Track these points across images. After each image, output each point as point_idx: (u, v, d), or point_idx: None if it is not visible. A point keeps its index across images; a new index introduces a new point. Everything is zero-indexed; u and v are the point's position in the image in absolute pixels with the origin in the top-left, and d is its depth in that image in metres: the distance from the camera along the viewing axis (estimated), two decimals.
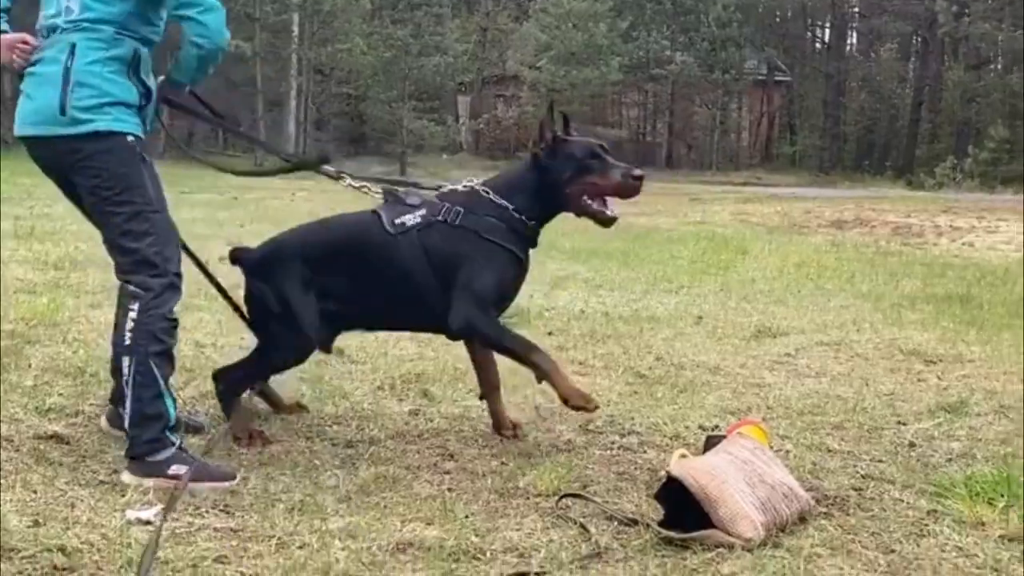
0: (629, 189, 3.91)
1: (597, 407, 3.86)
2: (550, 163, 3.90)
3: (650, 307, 7.76)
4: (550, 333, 6.48)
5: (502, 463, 3.87)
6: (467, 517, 3.32)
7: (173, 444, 3.59)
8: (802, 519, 3.36)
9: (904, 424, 4.67)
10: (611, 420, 4.49)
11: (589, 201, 3.90)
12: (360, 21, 39.60)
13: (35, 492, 3.37)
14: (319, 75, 42.67)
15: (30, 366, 4.89)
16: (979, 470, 3.89)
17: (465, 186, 3.97)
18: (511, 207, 3.88)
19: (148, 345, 3.56)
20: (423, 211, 3.87)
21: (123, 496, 3.40)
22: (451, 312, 3.79)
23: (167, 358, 3.63)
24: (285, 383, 4.43)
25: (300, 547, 3.01)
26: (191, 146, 41.33)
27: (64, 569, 2.79)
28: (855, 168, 46.73)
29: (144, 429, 3.56)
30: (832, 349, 6.36)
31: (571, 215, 4.08)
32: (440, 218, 3.85)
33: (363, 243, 3.90)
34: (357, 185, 4.04)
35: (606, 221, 3.97)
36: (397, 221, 3.85)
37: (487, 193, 3.91)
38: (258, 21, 38.01)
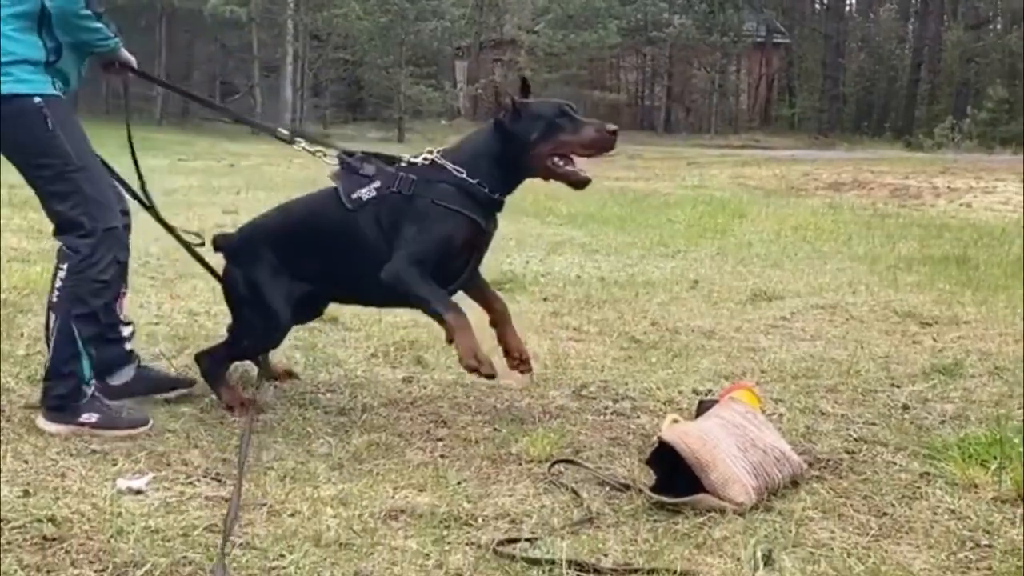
0: (604, 143, 3.76)
1: (492, 376, 3.72)
2: (515, 127, 3.75)
3: (646, 272, 7.74)
4: (545, 299, 6.47)
5: (495, 430, 3.86)
6: (459, 484, 3.32)
7: (86, 395, 3.68)
8: (794, 483, 3.36)
9: (898, 386, 4.67)
10: (604, 385, 4.49)
11: (559, 162, 3.76)
12: None
13: (26, 462, 3.37)
14: (315, 41, 42.37)
15: (22, 335, 4.87)
16: (972, 432, 3.88)
17: (425, 158, 3.84)
18: (468, 176, 3.76)
19: (72, 307, 3.62)
20: (377, 183, 3.78)
21: (114, 465, 3.40)
22: (388, 264, 3.70)
23: (91, 320, 3.67)
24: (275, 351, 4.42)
25: (292, 515, 3.01)
26: (188, 112, 41.35)
27: (54, 539, 2.78)
28: (854, 130, 46.55)
29: (58, 384, 3.67)
30: (827, 312, 6.34)
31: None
32: (395, 189, 3.76)
33: (324, 222, 3.87)
34: (312, 150, 4.02)
35: (579, 182, 3.81)
36: (354, 196, 3.77)
37: (443, 162, 3.79)
38: None
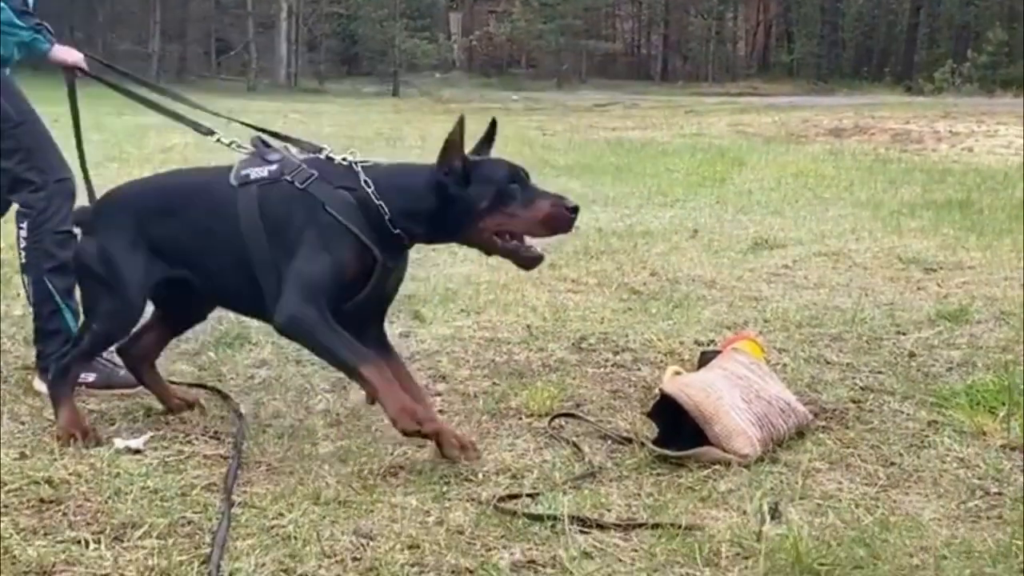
0: (560, 223, 3.09)
1: (436, 432, 3.03)
2: (459, 192, 3.05)
3: (644, 221, 7.67)
4: (543, 250, 6.37)
5: (494, 383, 3.81)
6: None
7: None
8: (800, 433, 3.30)
9: (904, 334, 4.61)
10: (604, 337, 4.43)
11: (505, 238, 3.09)
12: None
13: (23, 424, 3.34)
14: None
15: (18, 295, 4.80)
16: (980, 379, 3.83)
17: (344, 159, 3.17)
18: (386, 212, 3.06)
19: (41, 262, 3.60)
20: (275, 167, 3.14)
21: (112, 425, 3.37)
22: (280, 301, 3.02)
23: (62, 272, 3.61)
24: None
25: (290, 473, 2.96)
26: (184, 70, 41.09)
27: (51, 501, 2.74)
28: (854, 75, 46.27)
29: (47, 344, 3.65)
30: (831, 260, 6.28)
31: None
32: (288, 177, 3.11)
33: (202, 194, 3.27)
34: (226, 142, 3.42)
35: (529, 262, 3.19)
36: (243, 172, 3.16)
37: (367, 185, 3.08)
38: None
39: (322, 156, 3.23)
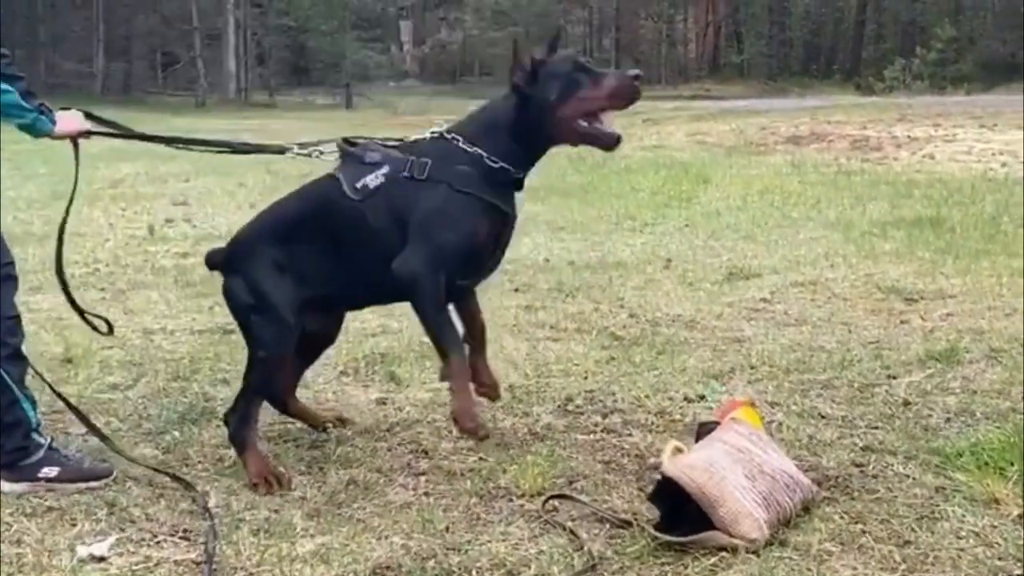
0: (629, 93, 3.34)
1: (486, 436, 3.43)
2: (532, 91, 3.32)
3: (616, 251, 7.50)
4: (516, 289, 6.22)
5: (480, 459, 3.61)
6: (447, 529, 3.08)
7: (42, 446, 3.42)
8: (806, 509, 3.14)
9: (895, 377, 4.48)
10: (591, 396, 4.25)
11: (585, 123, 3.34)
12: None
13: None
14: (257, 8, 41.65)
15: None
16: (983, 435, 3.68)
17: (433, 133, 3.43)
18: (485, 154, 3.33)
19: None
20: (385, 168, 3.35)
21: (74, 526, 3.14)
22: (402, 255, 3.29)
23: (16, 359, 3.40)
24: None
25: None
26: (130, 87, 40.54)
27: None
28: (803, 73, 46.51)
29: (7, 438, 3.38)
30: (808, 290, 6.14)
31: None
32: (406, 174, 3.33)
33: (326, 217, 3.41)
34: (306, 152, 3.59)
35: (610, 143, 3.40)
36: (358, 184, 3.34)
37: (456, 140, 3.36)
38: None
39: (410, 140, 3.45)
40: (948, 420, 3.96)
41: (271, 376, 3.56)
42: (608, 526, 3.09)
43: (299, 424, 3.95)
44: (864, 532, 3.03)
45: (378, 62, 39.52)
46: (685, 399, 4.21)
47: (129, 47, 42.27)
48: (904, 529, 3.04)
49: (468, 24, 44.19)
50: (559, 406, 4.15)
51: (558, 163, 13.74)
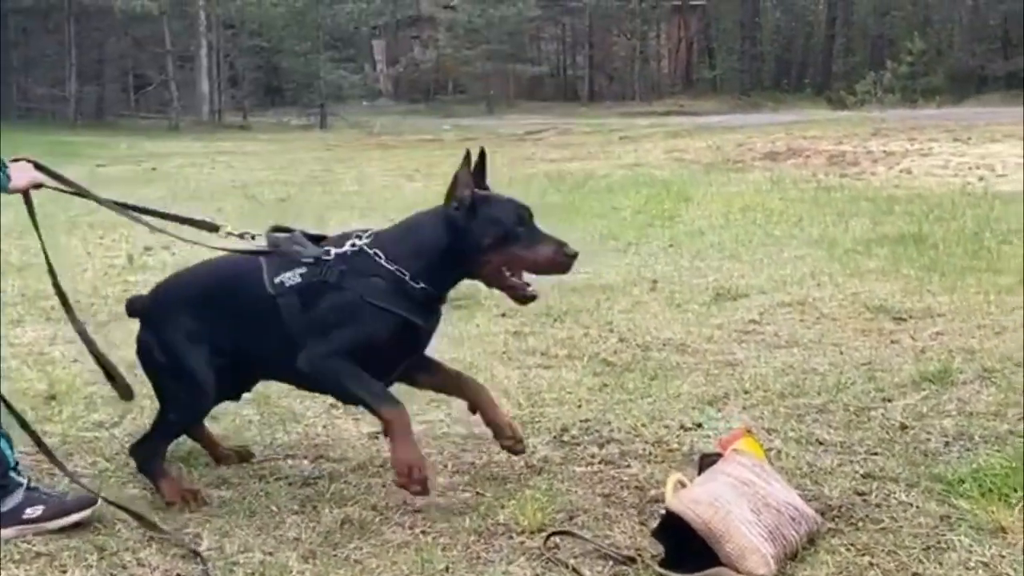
0: (559, 267, 3.39)
1: (426, 493, 3.33)
2: (467, 225, 3.30)
3: (601, 272, 7.45)
4: (503, 314, 6.15)
5: (477, 494, 3.55)
6: (447, 569, 3.03)
7: (20, 485, 3.34)
8: (811, 541, 3.10)
9: (890, 400, 4.45)
10: (586, 426, 4.19)
11: (508, 274, 3.36)
12: None
13: None
14: (230, 30, 41.49)
15: None
16: (984, 461, 3.65)
17: (353, 244, 3.37)
18: (406, 275, 3.31)
19: None
20: (303, 269, 3.35)
21: (64, 573, 3.05)
22: (303, 352, 3.31)
23: None
24: None
25: None
26: (103, 111, 40.32)
27: None
28: (775, 87, 46.77)
29: None
30: (796, 310, 6.12)
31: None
32: (321, 279, 3.32)
33: (245, 299, 3.44)
34: (237, 233, 3.53)
35: (526, 299, 3.44)
36: (276, 280, 3.35)
37: (378, 256, 3.33)
38: None
39: (330, 253, 3.35)
40: (947, 444, 3.93)
41: (177, 433, 3.68)
42: (612, 563, 3.04)
43: (290, 462, 3.90)
44: (872, 564, 2.99)
45: (352, 82, 39.41)
46: (681, 427, 4.16)
47: (102, 71, 41.96)
48: (912, 561, 3.00)
49: (441, 43, 44.18)
50: (555, 437, 4.09)
51: (537, 183, 13.78)
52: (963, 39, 42.94)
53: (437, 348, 5.27)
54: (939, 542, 3.11)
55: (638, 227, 9.69)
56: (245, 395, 3.99)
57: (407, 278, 3.30)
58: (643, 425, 4.18)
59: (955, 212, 9.85)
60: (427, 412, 4.35)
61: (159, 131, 34.03)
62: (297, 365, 3.32)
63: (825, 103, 37.45)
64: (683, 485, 3.16)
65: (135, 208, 3.78)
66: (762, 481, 3.16)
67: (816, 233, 8.99)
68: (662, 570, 2.94)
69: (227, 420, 4.23)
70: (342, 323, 3.28)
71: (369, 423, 4.28)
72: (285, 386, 4.64)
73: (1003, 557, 2.99)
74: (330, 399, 4.51)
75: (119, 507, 3.37)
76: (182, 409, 3.55)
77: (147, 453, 3.57)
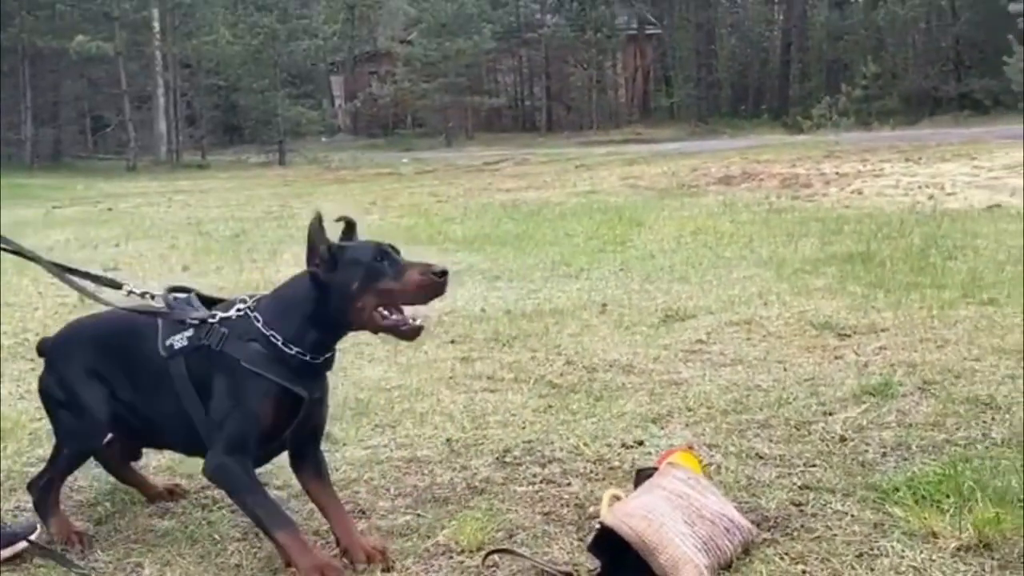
0: (432, 289, 3.20)
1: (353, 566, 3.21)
2: (331, 279, 3.20)
3: (552, 298, 7.50)
4: (452, 341, 6.18)
5: (418, 515, 3.57)
6: None
7: None
8: (746, 551, 3.13)
9: (831, 414, 4.50)
10: (529, 447, 4.21)
11: (386, 313, 3.20)
12: (224, 11, 38.60)
13: None
14: (187, 69, 41.53)
15: None
16: (919, 469, 3.71)
17: (239, 309, 3.31)
18: (280, 339, 3.22)
19: None
20: (190, 332, 3.32)
21: None
22: (209, 453, 3.26)
23: None
24: None
25: None
26: (60, 153, 40.16)
27: None
28: (732, 114, 47.24)
29: None
30: (743, 330, 6.17)
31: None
32: (206, 342, 3.28)
33: (138, 354, 3.43)
34: (139, 292, 3.51)
35: (410, 333, 3.24)
36: (167, 343, 3.34)
37: (256, 320, 3.27)
38: (117, 20, 36.72)
39: (217, 315, 3.33)
40: (884, 455, 3.98)
41: (74, 467, 3.65)
42: None
43: None
44: (805, 572, 3.02)
45: (310, 118, 39.47)
46: (623, 445, 4.19)
47: (58, 113, 41.87)
48: (844, 567, 3.04)
49: (398, 77, 44.33)
50: (497, 458, 4.11)
51: (492, 212, 13.84)
52: (917, 62, 43.57)
53: (385, 375, 5.40)
54: (872, 548, 3.15)
55: (590, 252, 9.74)
56: None
57: (280, 343, 3.22)
58: (585, 444, 4.21)
59: (903, 230, 9.98)
60: (371, 437, 4.37)
61: (117, 172, 33.94)
62: (203, 473, 3.30)
63: (782, 128, 37.84)
64: (618, 499, 3.20)
65: (48, 262, 3.70)
66: (697, 493, 3.20)
67: (766, 254, 9.08)
68: None
69: (171, 452, 4.23)
70: (223, 405, 3.23)
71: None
72: None
73: (933, 561, 3.04)
74: None
75: (42, 549, 3.37)
76: (74, 442, 3.53)
77: (42, 491, 3.57)
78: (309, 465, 3.44)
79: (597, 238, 10.76)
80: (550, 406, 4.80)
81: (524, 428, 4.47)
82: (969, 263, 7.97)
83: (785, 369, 5.26)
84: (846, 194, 13.91)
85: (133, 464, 3.92)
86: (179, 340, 3.32)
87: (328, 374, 3.39)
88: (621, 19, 48.14)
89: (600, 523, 3.04)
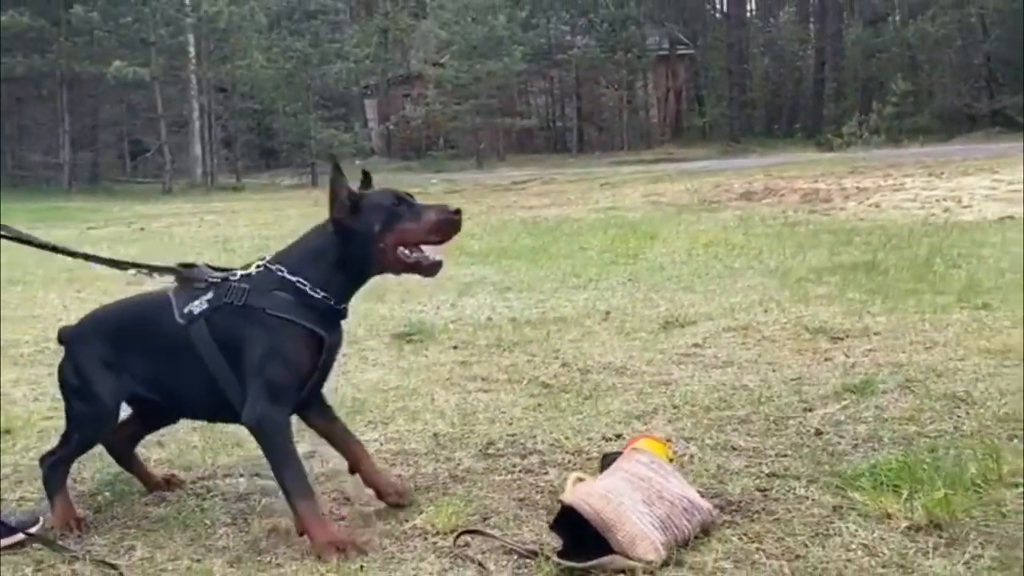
0: (449, 226, 3.44)
1: (363, 550, 3.30)
2: (354, 224, 3.42)
3: (558, 307, 7.66)
4: (455, 347, 6.35)
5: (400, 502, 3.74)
6: (361, 568, 3.18)
7: None
8: (705, 532, 3.27)
9: (810, 410, 4.62)
10: (512, 440, 4.37)
11: (406, 252, 3.43)
12: (257, 36, 39.03)
13: None
14: (222, 93, 42.08)
15: None
16: (884, 457, 3.83)
17: (259, 266, 3.51)
18: (307, 285, 3.41)
19: None
20: (209, 295, 3.48)
21: None
22: (246, 404, 3.39)
23: None
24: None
25: None
26: (97, 176, 40.73)
27: None
28: (766, 134, 47.21)
29: None
30: (739, 334, 6.30)
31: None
32: (227, 300, 3.44)
33: (156, 331, 3.56)
34: (146, 271, 3.71)
35: (431, 268, 3.47)
36: (185, 310, 3.48)
37: (280, 271, 3.44)
38: (153, 45, 37.32)
39: (236, 274, 3.53)
40: (855, 446, 4.09)
41: (84, 449, 3.78)
42: (516, 557, 3.20)
43: (227, 480, 4.08)
44: (759, 550, 3.15)
45: (342, 140, 39.82)
46: (603, 438, 4.33)
47: (96, 137, 42.54)
48: (797, 545, 3.17)
49: (429, 99, 44.69)
50: (480, 450, 4.27)
51: (511, 227, 14.02)
52: (949, 80, 43.39)
53: (384, 377, 5.58)
54: (827, 529, 3.27)
55: (602, 265, 9.89)
56: (193, 422, 4.22)
57: (307, 288, 3.41)
58: (567, 438, 4.36)
59: (911, 240, 10.07)
60: (363, 433, 4.54)
61: (153, 195, 34.41)
62: (243, 422, 3.42)
63: (814, 147, 37.81)
64: (582, 481, 3.35)
65: (57, 248, 3.87)
66: (659, 477, 3.34)
67: (773, 264, 9.19)
68: (560, 560, 3.11)
69: (172, 446, 4.43)
70: (258, 354, 3.36)
71: (307, 444, 4.47)
72: None
73: (883, 540, 3.16)
74: None
75: (39, 540, 3.52)
76: (83, 429, 3.68)
77: (51, 468, 3.72)
78: (322, 408, 3.72)
79: (610, 251, 10.91)
80: (539, 404, 4.95)
81: (511, 424, 4.63)
82: (971, 271, 8.06)
83: (774, 370, 5.39)
84: (864, 207, 13.99)
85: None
86: (197, 305, 3.46)
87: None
88: (652, 40, 48.20)
89: (561, 502, 3.20)
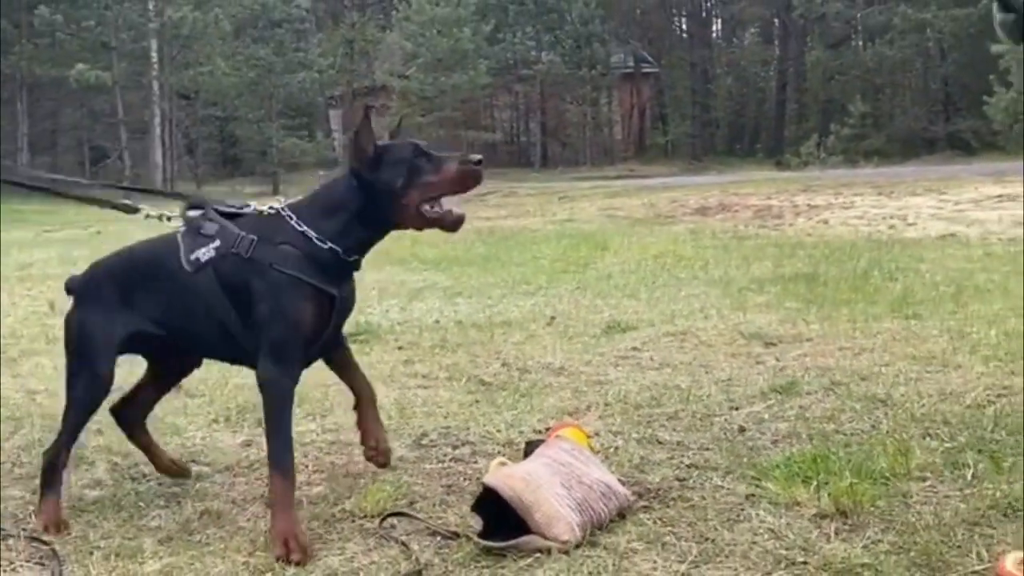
0: (471, 176, 3.35)
1: (301, 562, 3.16)
2: (374, 176, 3.32)
3: (505, 312, 7.79)
4: (400, 347, 6.46)
5: (331, 488, 3.85)
6: None
7: None
8: (622, 516, 3.40)
9: (737, 408, 4.77)
10: (446, 432, 4.50)
11: (428, 207, 3.34)
12: (221, 43, 39.05)
13: None
14: (184, 100, 42.00)
15: None
16: (799, 450, 3.98)
17: (271, 208, 3.44)
18: (315, 235, 3.33)
19: None
20: (217, 243, 3.38)
21: None
22: (259, 362, 3.34)
23: None
24: None
25: None
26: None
27: None
28: (728, 153, 47.62)
29: None
30: (677, 339, 6.45)
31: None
32: (234, 250, 3.35)
33: (165, 276, 3.48)
34: (156, 215, 3.67)
35: (455, 223, 3.41)
36: (192, 257, 3.39)
37: (291, 218, 3.37)
38: (115, 50, 37.24)
39: (250, 211, 3.49)
40: (775, 442, 4.24)
41: (83, 416, 3.64)
42: (439, 538, 3.32)
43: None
44: (671, 533, 3.29)
45: (304, 149, 39.86)
46: (534, 431, 4.45)
47: (55, 141, 42.37)
48: (708, 529, 3.31)
49: (393, 111, 44.75)
50: (414, 441, 4.39)
51: (465, 236, 14.09)
52: (907, 103, 44.01)
53: (326, 373, 5.66)
54: (739, 516, 3.42)
55: (552, 273, 10.04)
56: None
57: (314, 238, 3.33)
58: (499, 431, 4.49)
59: (852, 254, 10.29)
60: (300, 424, 4.64)
61: (114, 196, 34.19)
62: (257, 382, 3.38)
63: (773, 166, 38.21)
64: (504, 466, 3.48)
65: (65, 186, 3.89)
66: (579, 463, 3.47)
67: (718, 275, 9.38)
68: (480, 540, 3.23)
69: (111, 433, 4.51)
70: (266, 313, 3.29)
71: (245, 434, 4.60)
72: (171, 404, 4.96)
73: (790, 525, 3.30)
74: (214, 413, 4.86)
75: None
76: (78, 390, 3.57)
77: (51, 456, 3.63)
78: (342, 355, 3.80)
79: (562, 260, 11.07)
80: (476, 400, 5.08)
81: (446, 417, 4.75)
82: (907, 283, 8.27)
83: (706, 372, 5.54)
84: (812, 223, 14.25)
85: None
86: (204, 253, 3.38)
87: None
88: (617, 57, 48.61)
89: (482, 484, 3.32)
